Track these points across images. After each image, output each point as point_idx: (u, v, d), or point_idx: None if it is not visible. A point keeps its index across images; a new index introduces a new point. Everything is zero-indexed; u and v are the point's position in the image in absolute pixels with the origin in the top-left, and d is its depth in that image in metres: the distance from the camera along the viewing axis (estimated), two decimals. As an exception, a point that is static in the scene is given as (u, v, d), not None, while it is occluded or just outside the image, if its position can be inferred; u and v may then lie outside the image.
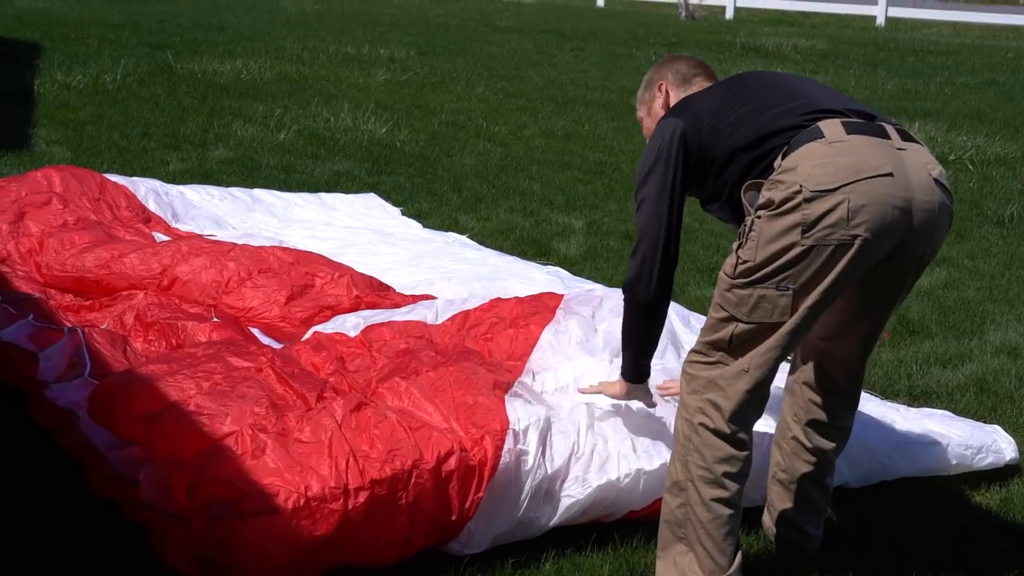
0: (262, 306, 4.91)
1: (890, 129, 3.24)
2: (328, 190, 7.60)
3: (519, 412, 3.68)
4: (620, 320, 3.63)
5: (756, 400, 3.25)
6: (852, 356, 3.52)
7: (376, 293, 5.05)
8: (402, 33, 17.00)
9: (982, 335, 5.73)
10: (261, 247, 5.29)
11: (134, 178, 6.47)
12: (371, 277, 5.20)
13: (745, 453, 3.26)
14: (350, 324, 4.55)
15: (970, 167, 9.36)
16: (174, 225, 6.06)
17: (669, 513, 3.33)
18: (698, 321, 4.80)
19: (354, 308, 4.92)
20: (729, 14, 23.74)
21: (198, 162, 8.32)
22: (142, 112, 9.89)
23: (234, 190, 6.81)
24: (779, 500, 3.71)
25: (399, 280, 5.41)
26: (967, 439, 4.31)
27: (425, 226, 6.84)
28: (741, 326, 3.19)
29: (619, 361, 3.73)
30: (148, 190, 6.29)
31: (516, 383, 3.95)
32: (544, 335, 4.26)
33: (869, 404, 4.37)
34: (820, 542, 3.70)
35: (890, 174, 3.09)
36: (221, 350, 3.92)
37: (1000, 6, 28.80)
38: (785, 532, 3.71)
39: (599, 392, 3.83)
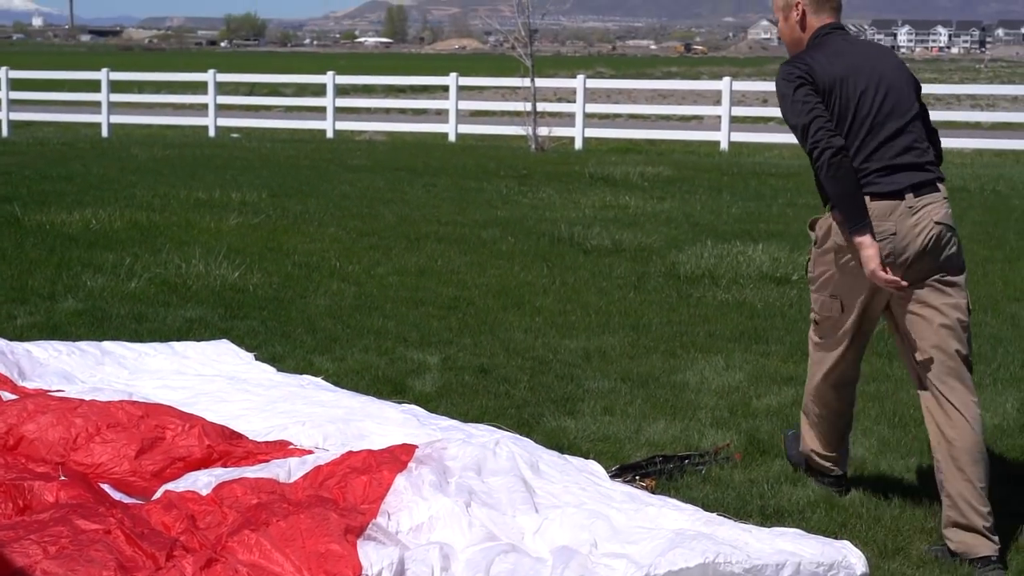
0: (112, 461, 4.87)
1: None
2: (180, 337, 7.56)
3: (372, 556, 3.69)
4: (472, 474, 3.85)
5: None
6: None
7: (228, 442, 5.03)
8: (254, 176, 17.04)
9: (829, 451, 5.86)
10: (109, 402, 5.25)
11: (-23, 340, 6.38)
12: (223, 426, 5.19)
13: None
14: (202, 482, 4.53)
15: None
16: (21, 384, 5.97)
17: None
18: (548, 466, 4.87)
19: (206, 458, 4.89)
20: (578, 144, 24.25)
21: (47, 315, 8.21)
22: (-12, 266, 9.75)
23: (83, 344, 6.74)
24: None
25: (252, 427, 5.39)
26: (818, 556, 4.40)
27: (280, 370, 6.82)
28: None
29: (475, 505, 3.82)
30: (-7, 350, 6.21)
31: (370, 525, 3.97)
32: (398, 479, 4.30)
33: (722, 528, 4.45)
34: None
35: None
36: (68, 513, 3.87)
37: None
38: None
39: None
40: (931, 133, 4.96)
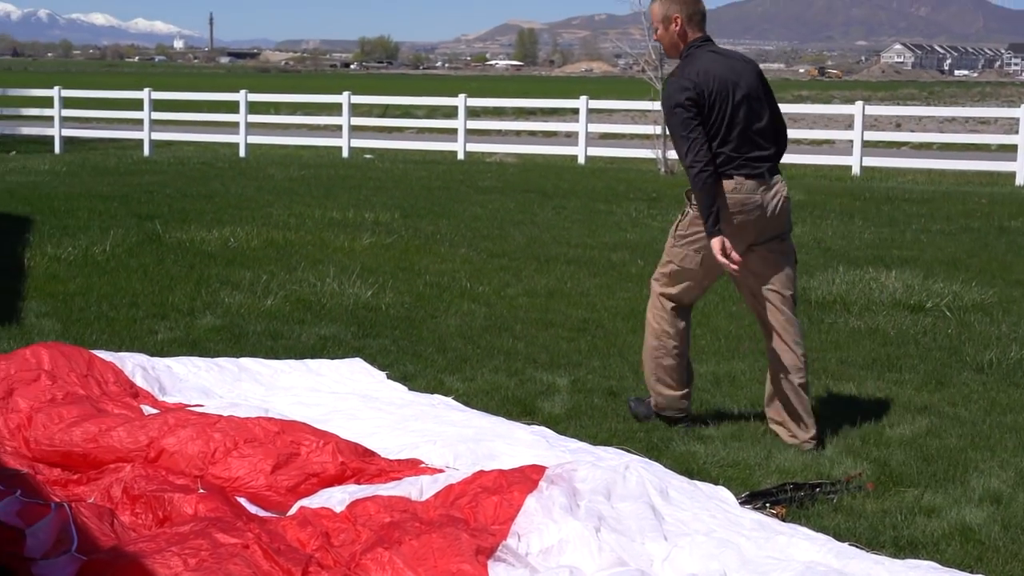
0: (248, 475, 4.97)
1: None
2: (314, 355, 7.69)
3: (502, 577, 3.71)
4: (601, 499, 3.86)
5: None
6: None
7: (361, 459, 5.10)
8: (386, 196, 17.26)
9: (965, 483, 5.77)
10: (247, 418, 5.36)
11: (121, 354, 6.56)
12: (356, 444, 5.26)
13: None
14: (336, 499, 4.60)
15: (948, 314, 9.48)
16: (161, 398, 6.13)
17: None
18: (677, 492, 4.86)
19: (339, 475, 4.97)
20: (709, 168, 24.10)
21: (186, 331, 8.42)
22: (131, 282, 10.03)
23: (221, 360, 6.89)
24: None
25: (385, 444, 5.47)
26: (953, 591, 4.34)
27: (410, 388, 6.91)
28: None
29: (604, 530, 3.84)
30: (135, 366, 6.38)
31: (500, 546, 4.00)
32: (528, 500, 4.32)
33: (854, 562, 4.40)
34: None
35: None
36: (208, 526, 3.96)
37: (973, 152, 29.29)
38: None
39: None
40: (780, 125, 6.45)
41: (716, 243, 6.10)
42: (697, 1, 6.31)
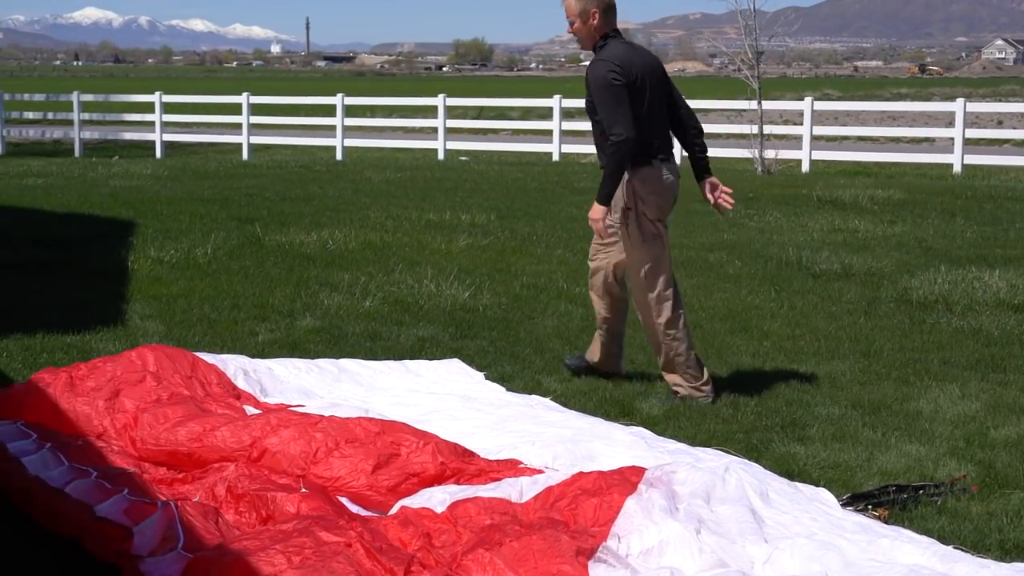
0: (349, 475, 5.01)
1: None
2: (412, 356, 7.74)
3: (603, 578, 3.71)
4: (700, 502, 3.81)
5: None
6: None
7: (461, 460, 5.13)
8: (482, 198, 17.33)
9: (1073, 485, 5.66)
10: (347, 418, 5.41)
11: (223, 356, 6.65)
12: (455, 444, 5.29)
13: None
14: (436, 500, 4.63)
15: (1054, 314, 9.32)
16: (263, 399, 6.22)
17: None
18: (777, 494, 4.81)
19: (439, 475, 5.00)
20: (805, 167, 23.91)
21: (286, 332, 8.51)
22: (232, 284, 10.17)
23: (321, 361, 6.97)
24: None
25: (484, 445, 5.49)
26: (1063, 595, 4.25)
27: (508, 389, 6.93)
28: None
29: (705, 533, 3.83)
30: (237, 368, 6.47)
31: (600, 548, 4.00)
32: (628, 502, 4.32)
33: (959, 565, 4.34)
34: None
35: None
36: (311, 525, 4.01)
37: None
38: None
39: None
40: (683, 109, 7.09)
41: (601, 211, 6.78)
42: None
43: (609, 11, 6.82)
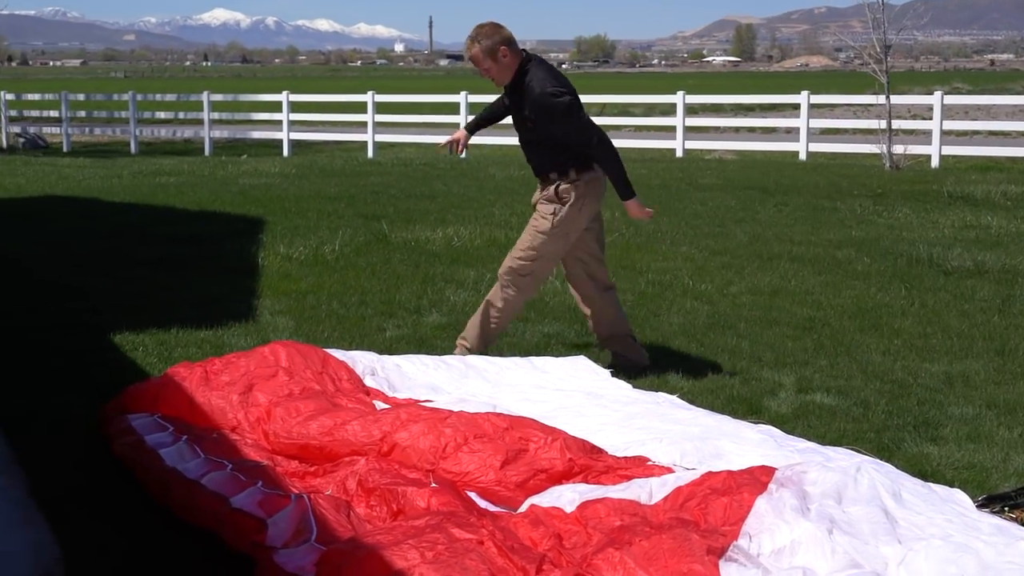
0: (478, 470, 5.03)
1: None
2: (539, 352, 7.76)
3: (734, 577, 3.69)
4: (832, 502, 3.77)
5: None
6: None
7: (589, 456, 5.12)
8: (607, 195, 17.27)
9: None
10: (476, 414, 5.44)
11: (352, 353, 6.73)
12: (583, 440, 5.28)
13: None
14: (566, 499, 4.62)
15: None
16: (391, 395, 6.28)
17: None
18: (911, 494, 4.74)
19: (567, 471, 5.00)
20: (935, 162, 23.49)
21: (413, 328, 8.59)
22: (359, 281, 10.28)
23: (448, 358, 7.01)
24: None
25: (611, 441, 5.48)
26: None
27: (634, 386, 6.91)
28: None
29: (837, 534, 3.78)
30: (365, 367, 6.55)
31: (731, 547, 3.97)
32: (759, 501, 4.28)
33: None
34: None
35: None
36: (443, 521, 4.04)
37: None
38: None
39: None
40: None
41: (636, 203, 7.35)
42: (503, 27, 7.11)
43: (513, 42, 7.09)
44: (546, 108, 6.99)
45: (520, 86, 7.07)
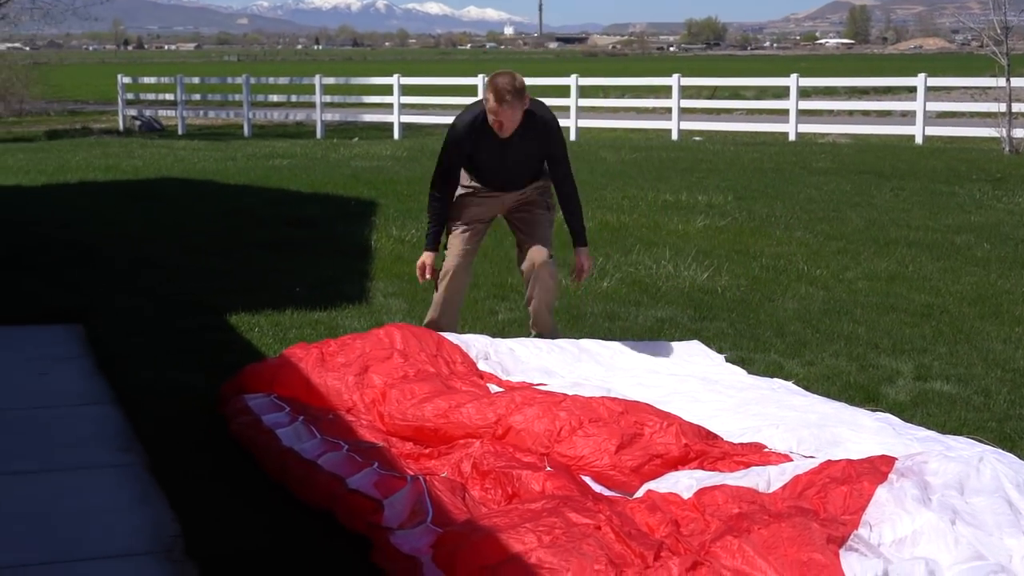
0: (593, 455, 5.00)
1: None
2: (651, 337, 7.72)
3: (855, 567, 3.63)
4: (954, 493, 3.71)
5: None
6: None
7: (704, 442, 5.07)
8: (719, 179, 17.16)
9: None
10: (591, 398, 5.41)
11: (465, 337, 6.76)
12: (698, 426, 5.23)
13: None
14: (683, 485, 4.58)
15: None
16: (505, 379, 6.29)
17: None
18: None
19: (683, 456, 4.96)
20: (1057, 145, 22.96)
21: (525, 312, 8.56)
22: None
23: (560, 341, 7.00)
24: None
25: (726, 427, 5.42)
26: None
27: (749, 372, 6.84)
28: None
29: (960, 525, 3.71)
30: (478, 351, 6.58)
31: (852, 536, 3.91)
32: (880, 490, 4.21)
33: None
34: None
35: None
36: (560, 505, 4.03)
37: None
38: None
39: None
40: None
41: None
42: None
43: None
44: (556, 138, 7.38)
45: (531, 121, 7.21)
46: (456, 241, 7.37)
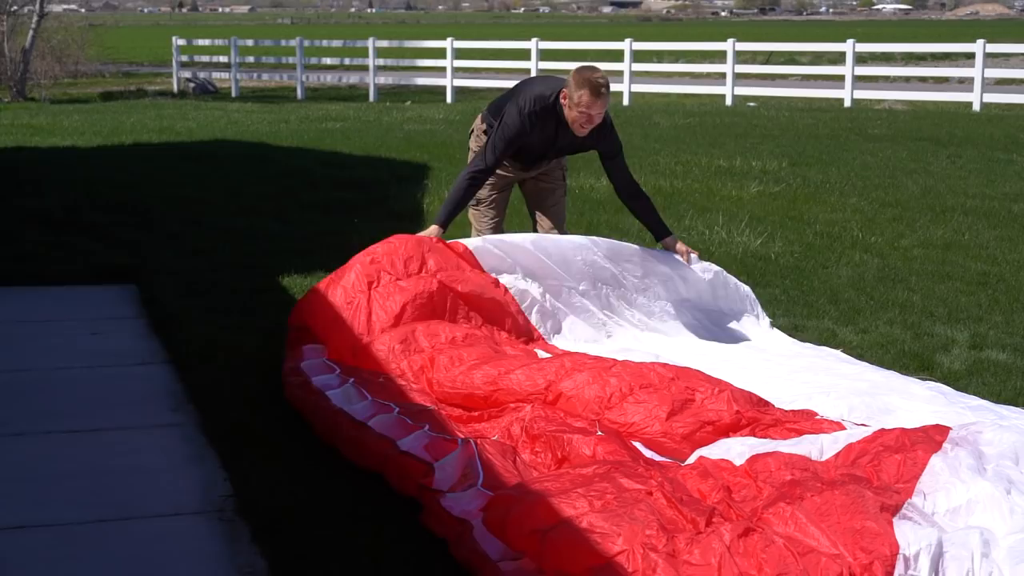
0: (644, 421, 4.98)
1: None
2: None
3: (909, 536, 3.60)
4: (1009, 463, 3.69)
5: None
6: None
7: (756, 408, 5.04)
8: (773, 144, 17.02)
9: None
10: (642, 363, 5.38)
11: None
12: (750, 392, 5.20)
13: None
14: (735, 452, 4.56)
15: None
16: (552, 341, 6.27)
17: None
18: None
19: (734, 423, 4.93)
20: (1119, 113, 22.63)
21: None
22: (524, 228, 10.23)
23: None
24: None
25: (777, 395, 5.38)
26: None
27: (803, 340, 6.80)
28: None
29: (1016, 494, 3.69)
30: (533, 300, 6.52)
31: (906, 504, 3.88)
32: (934, 459, 4.17)
33: None
34: None
35: None
36: (611, 470, 4.02)
37: None
38: None
39: None
40: None
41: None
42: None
43: None
44: (611, 126, 7.08)
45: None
46: (484, 218, 7.39)
